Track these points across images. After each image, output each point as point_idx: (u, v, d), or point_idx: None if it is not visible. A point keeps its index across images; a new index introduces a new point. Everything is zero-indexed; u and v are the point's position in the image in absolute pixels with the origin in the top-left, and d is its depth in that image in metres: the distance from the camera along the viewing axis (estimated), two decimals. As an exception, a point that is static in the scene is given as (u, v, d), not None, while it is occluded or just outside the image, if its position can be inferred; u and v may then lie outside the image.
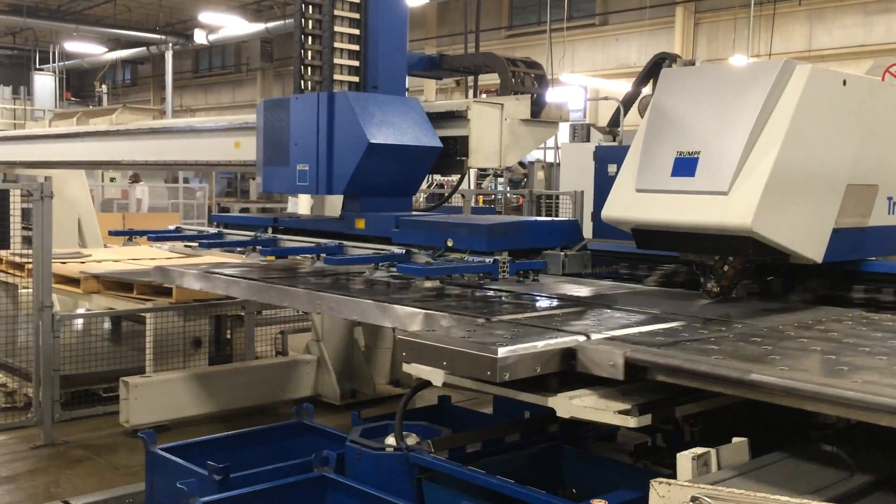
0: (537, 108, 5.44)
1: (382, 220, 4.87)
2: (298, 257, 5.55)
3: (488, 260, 4.17)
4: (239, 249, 5.54)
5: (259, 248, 5.36)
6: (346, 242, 5.00)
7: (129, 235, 6.39)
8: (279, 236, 5.42)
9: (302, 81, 5.11)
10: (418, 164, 5.10)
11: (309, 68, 5.08)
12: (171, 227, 6.32)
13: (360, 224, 5.00)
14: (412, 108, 5.09)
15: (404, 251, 4.57)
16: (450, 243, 4.33)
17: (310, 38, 5.08)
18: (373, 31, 5.13)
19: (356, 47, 5.13)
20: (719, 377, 2.76)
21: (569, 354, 3.14)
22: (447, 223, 4.54)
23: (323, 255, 4.90)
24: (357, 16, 5.12)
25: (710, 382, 2.81)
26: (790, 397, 2.61)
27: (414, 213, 5.26)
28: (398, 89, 5.25)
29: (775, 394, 2.64)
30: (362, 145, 4.72)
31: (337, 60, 5.06)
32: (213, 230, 5.89)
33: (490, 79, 6.03)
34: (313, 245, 5.10)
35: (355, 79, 5.13)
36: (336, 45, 5.06)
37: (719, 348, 3.07)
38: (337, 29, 5.04)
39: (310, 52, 5.07)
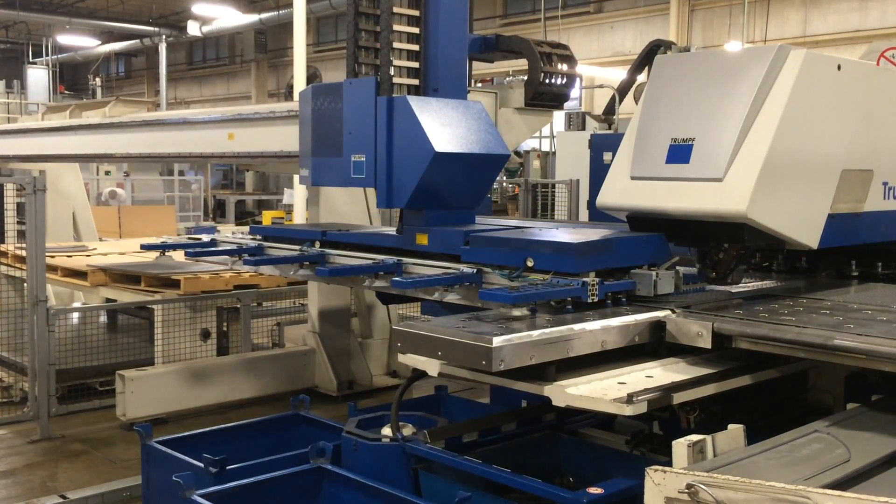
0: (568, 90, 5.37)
1: (448, 235, 4.30)
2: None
3: (576, 282, 3.61)
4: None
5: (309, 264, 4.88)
6: (405, 259, 4.44)
7: (164, 249, 5.83)
8: (328, 251, 4.89)
9: (356, 65, 4.59)
10: (485, 173, 4.67)
11: (363, 51, 4.55)
12: (207, 239, 5.71)
13: (423, 239, 4.41)
14: (476, 112, 4.62)
15: (475, 270, 4.04)
16: (530, 263, 3.81)
17: (363, 17, 4.56)
18: (432, 30, 4.65)
19: (416, 47, 4.63)
20: (804, 343, 3.10)
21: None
22: (526, 240, 3.98)
23: (381, 273, 4.45)
24: (416, 13, 4.63)
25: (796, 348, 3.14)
26: (871, 360, 2.95)
27: (478, 226, 4.61)
28: (459, 92, 4.75)
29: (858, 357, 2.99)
30: (428, 155, 4.24)
31: (396, 62, 4.55)
32: (252, 242, 5.35)
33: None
34: (371, 263, 4.55)
35: (415, 81, 4.64)
36: (395, 43, 4.56)
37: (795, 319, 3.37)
38: (396, 28, 4.56)
39: (363, 34, 4.56)
